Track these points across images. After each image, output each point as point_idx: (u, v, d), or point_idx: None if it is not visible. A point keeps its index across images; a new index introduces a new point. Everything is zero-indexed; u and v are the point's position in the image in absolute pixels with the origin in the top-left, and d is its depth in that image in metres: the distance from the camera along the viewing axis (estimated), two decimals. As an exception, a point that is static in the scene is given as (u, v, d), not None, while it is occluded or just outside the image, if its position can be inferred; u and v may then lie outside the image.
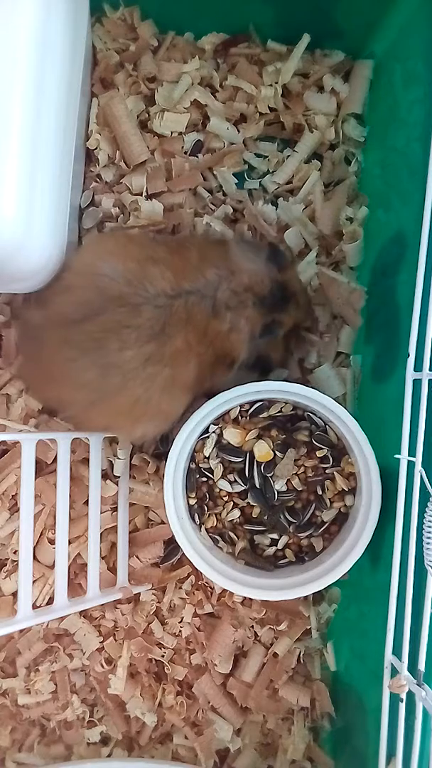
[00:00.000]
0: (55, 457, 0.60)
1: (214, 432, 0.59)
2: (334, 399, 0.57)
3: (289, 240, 0.66)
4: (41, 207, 0.49)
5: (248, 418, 0.60)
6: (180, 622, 0.65)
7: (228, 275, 0.56)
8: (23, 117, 0.45)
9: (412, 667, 0.48)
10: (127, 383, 0.54)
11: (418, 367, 0.51)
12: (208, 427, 0.59)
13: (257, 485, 0.59)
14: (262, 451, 0.59)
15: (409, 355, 0.51)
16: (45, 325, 0.56)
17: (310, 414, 0.60)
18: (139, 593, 0.65)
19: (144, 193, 0.65)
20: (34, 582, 0.61)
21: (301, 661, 0.65)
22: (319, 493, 0.59)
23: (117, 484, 0.65)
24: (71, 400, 0.57)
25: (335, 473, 0.59)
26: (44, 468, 0.64)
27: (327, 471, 0.59)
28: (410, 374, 0.51)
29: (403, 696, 0.48)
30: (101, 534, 0.62)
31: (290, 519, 0.59)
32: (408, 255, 0.56)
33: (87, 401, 0.56)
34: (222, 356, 0.57)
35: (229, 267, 0.56)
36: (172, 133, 0.66)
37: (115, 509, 0.65)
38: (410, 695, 0.48)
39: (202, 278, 0.55)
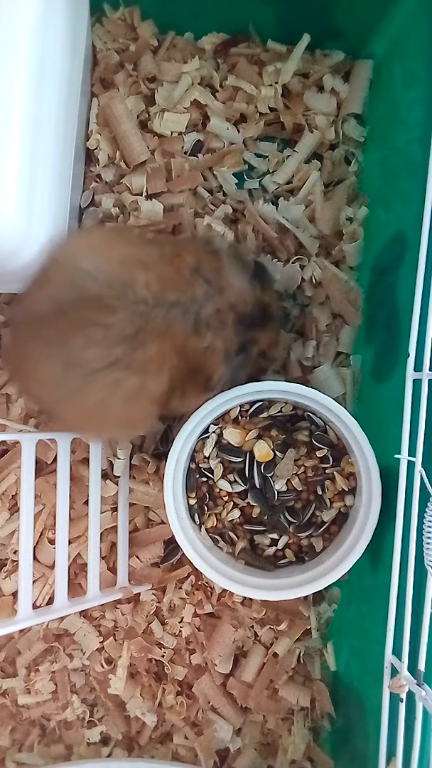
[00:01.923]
0: (55, 457, 0.60)
1: (214, 432, 0.59)
2: (334, 399, 0.57)
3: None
4: (41, 206, 0.49)
5: (248, 418, 0.60)
6: (180, 622, 0.65)
7: (215, 293, 0.52)
8: (23, 116, 0.45)
9: (412, 667, 0.48)
10: (87, 385, 0.50)
11: (418, 367, 0.51)
12: (208, 427, 0.59)
13: (257, 485, 0.59)
14: (262, 451, 0.59)
15: (409, 355, 0.51)
16: (18, 320, 0.55)
17: (310, 414, 0.60)
18: (139, 593, 0.65)
19: (144, 193, 0.65)
20: (34, 582, 0.61)
21: (301, 661, 0.65)
22: (319, 493, 0.59)
23: (117, 484, 0.65)
24: (39, 396, 0.56)
25: (335, 473, 0.59)
26: (44, 468, 0.64)
27: (327, 471, 0.59)
28: (410, 374, 0.51)
29: (403, 696, 0.48)
30: (101, 534, 0.62)
31: (290, 519, 0.59)
32: (408, 255, 0.56)
33: (52, 399, 0.53)
34: (196, 371, 0.54)
35: (220, 283, 0.53)
36: (172, 133, 0.66)
37: (115, 509, 0.65)
38: (410, 695, 0.48)
39: (191, 292, 0.51)
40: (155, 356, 0.50)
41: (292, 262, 0.65)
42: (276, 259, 0.66)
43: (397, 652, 0.50)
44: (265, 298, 0.56)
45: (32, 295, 0.52)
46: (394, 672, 0.50)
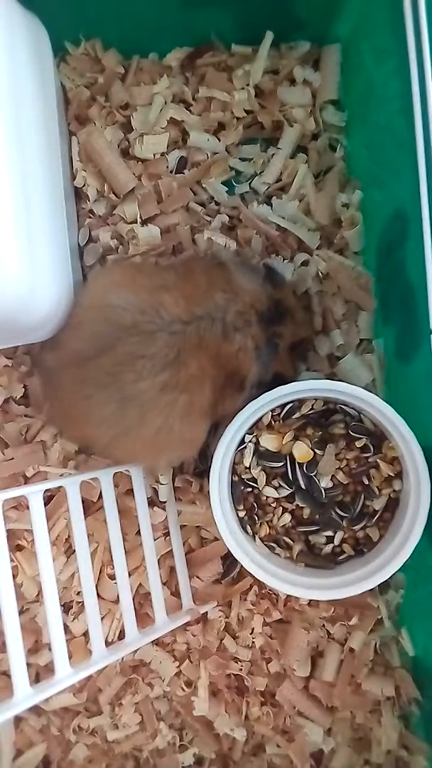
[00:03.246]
0: (101, 494, 0.60)
1: (250, 441, 0.59)
2: (364, 386, 0.56)
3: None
4: (42, 256, 0.50)
5: (281, 421, 0.60)
6: (251, 634, 0.65)
7: (234, 297, 0.56)
8: (9, 173, 0.45)
9: None
10: (146, 414, 0.54)
11: (441, 341, 0.50)
12: (243, 438, 0.59)
13: (303, 486, 0.59)
14: (301, 451, 0.58)
15: (431, 332, 0.51)
16: (59, 366, 0.57)
17: (342, 406, 0.59)
18: (206, 612, 0.65)
19: (138, 220, 0.65)
20: (102, 619, 0.61)
21: (379, 651, 0.65)
22: (366, 482, 0.59)
23: (164, 509, 0.65)
24: (93, 437, 0.58)
25: (378, 460, 0.58)
26: (91, 506, 0.65)
27: (369, 459, 0.59)
28: (436, 350, 0.51)
29: None
30: (158, 561, 0.62)
31: (342, 513, 0.59)
32: (411, 229, 0.56)
33: (108, 437, 0.56)
34: (231, 375, 0.57)
35: (233, 289, 0.56)
36: (154, 155, 0.67)
37: (167, 534, 0.65)
38: None
39: (212, 302, 0.55)
40: (196, 373, 0.54)
41: (300, 264, 0.66)
42: (284, 259, 0.66)
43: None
44: (277, 295, 0.59)
45: (69, 338, 0.56)
46: None
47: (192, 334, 0.54)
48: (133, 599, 0.61)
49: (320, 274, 0.65)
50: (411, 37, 0.51)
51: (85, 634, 0.64)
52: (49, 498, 0.64)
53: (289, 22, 0.66)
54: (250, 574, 0.58)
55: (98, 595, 0.62)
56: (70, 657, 0.54)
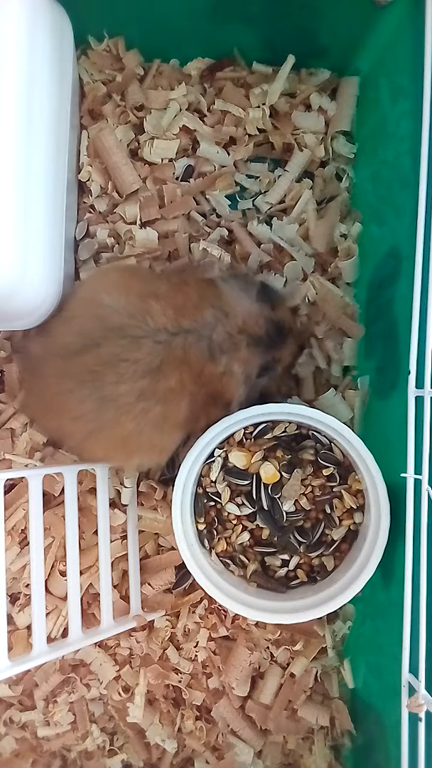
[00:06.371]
0: (63, 489, 0.60)
1: (219, 456, 0.60)
2: (343, 422, 0.57)
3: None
4: (36, 246, 0.50)
5: (253, 440, 0.60)
6: (195, 647, 0.65)
7: (223, 316, 0.55)
8: (15, 158, 0.45)
9: (431, 685, 0.48)
10: (120, 417, 0.54)
11: (419, 383, 0.50)
12: (213, 452, 0.59)
13: (265, 507, 0.59)
14: (269, 472, 0.59)
15: (410, 372, 0.51)
16: (45, 356, 0.57)
17: (315, 432, 0.60)
18: (153, 620, 0.65)
19: (138, 222, 0.65)
20: (47, 615, 0.61)
21: (319, 679, 0.65)
22: (328, 511, 0.59)
23: (125, 513, 0.65)
24: (69, 431, 0.58)
25: (343, 491, 0.59)
26: (52, 500, 0.64)
27: (334, 489, 0.59)
28: (412, 391, 0.51)
29: (422, 715, 0.48)
30: (112, 563, 0.62)
31: (300, 539, 0.59)
32: (404, 268, 0.56)
33: (84, 432, 0.56)
34: (215, 396, 0.57)
35: (224, 307, 0.56)
36: (162, 160, 0.67)
37: (124, 537, 0.65)
38: (429, 714, 0.47)
39: (201, 318, 0.55)
40: (175, 386, 0.54)
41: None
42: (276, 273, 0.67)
43: (413, 670, 0.49)
44: (277, 316, 0.58)
45: (59, 329, 0.56)
46: (412, 691, 0.49)
47: (177, 346, 0.54)
48: (82, 599, 0.60)
49: (308, 299, 0.65)
50: (428, 82, 0.52)
51: (29, 627, 0.63)
52: (10, 486, 0.64)
53: (312, 49, 0.67)
54: (201, 588, 0.58)
55: (47, 590, 0.62)
56: (10, 649, 0.54)
